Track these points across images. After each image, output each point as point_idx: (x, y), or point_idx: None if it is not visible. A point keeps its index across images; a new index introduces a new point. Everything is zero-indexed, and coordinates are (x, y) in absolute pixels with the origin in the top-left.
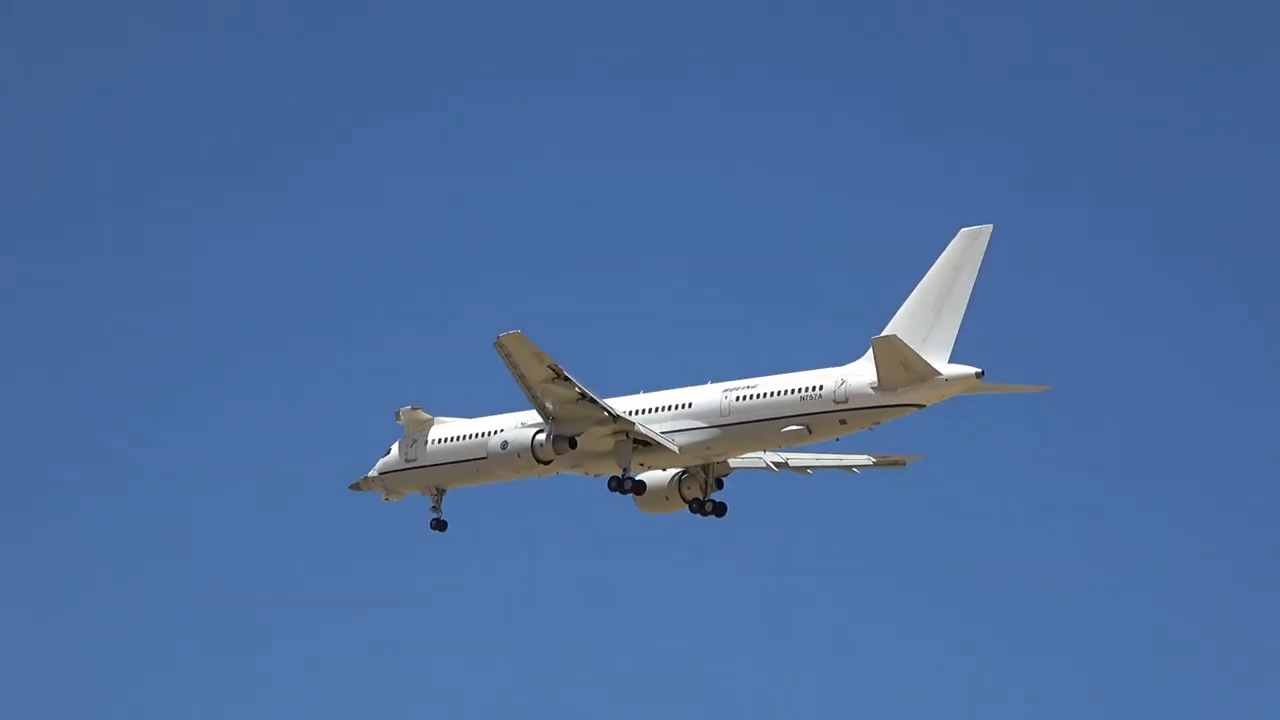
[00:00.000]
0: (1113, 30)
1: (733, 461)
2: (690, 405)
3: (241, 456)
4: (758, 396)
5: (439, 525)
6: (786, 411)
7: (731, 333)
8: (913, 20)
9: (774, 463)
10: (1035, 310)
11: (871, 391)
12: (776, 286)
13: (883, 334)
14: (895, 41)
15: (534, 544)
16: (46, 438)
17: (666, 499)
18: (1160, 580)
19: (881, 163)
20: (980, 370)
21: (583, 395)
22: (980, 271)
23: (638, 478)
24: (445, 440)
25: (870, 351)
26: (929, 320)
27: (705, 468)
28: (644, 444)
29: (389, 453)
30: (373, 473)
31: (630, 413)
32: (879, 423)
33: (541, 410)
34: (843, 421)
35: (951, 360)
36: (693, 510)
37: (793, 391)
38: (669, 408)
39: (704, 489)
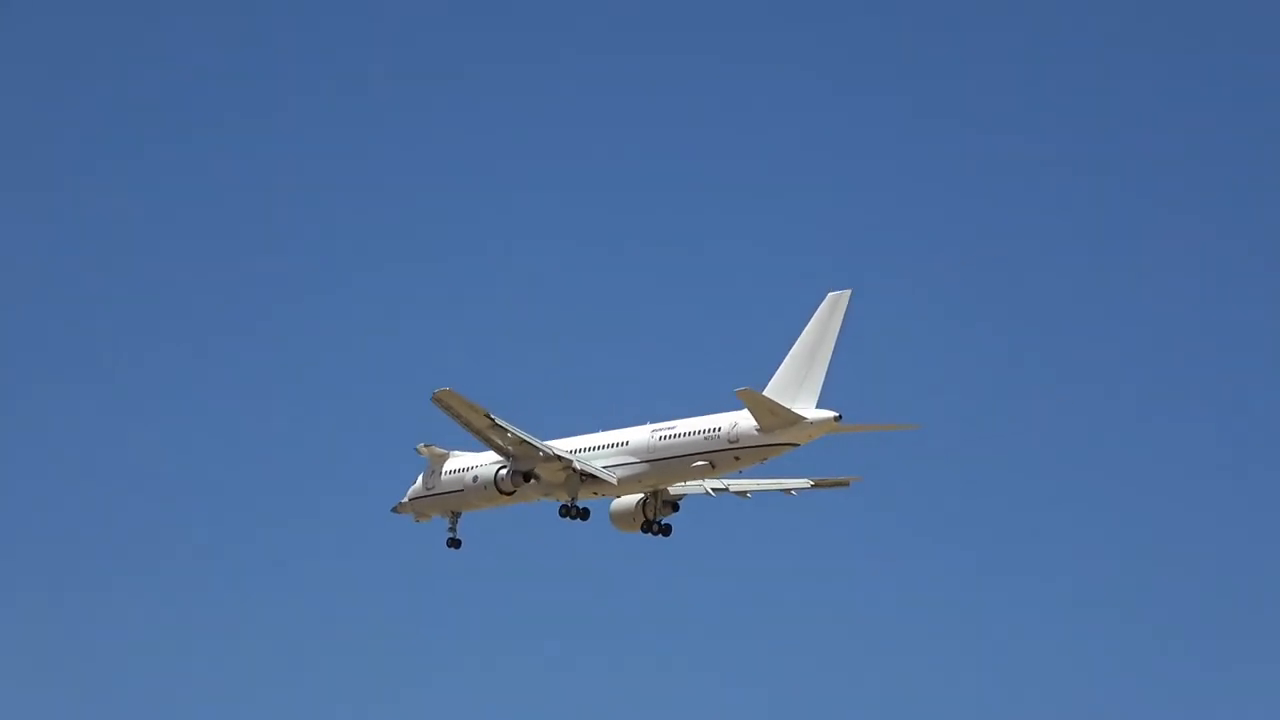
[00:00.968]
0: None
1: (678, 488)
2: (627, 443)
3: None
4: (675, 436)
5: (453, 543)
6: (694, 449)
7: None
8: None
9: (713, 488)
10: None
11: (756, 432)
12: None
13: (741, 388)
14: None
15: (511, 559)
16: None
17: (633, 519)
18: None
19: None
20: (838, 414)
21: (519, 440)
22: (842, 330)
23: (582, 505)
24: (451, 472)
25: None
26: (802, 371)
27: (655, 493)
28: (591, 476)
29: (416, 482)
30: (405, 499)
31: (579, 450)
32: (766, 459)
33: (498, 450)
34: (736, 458)
35: (824, 405)
36: (643, 530)
37: (699, 432)
38: (611, 445)
39: (655, 512)
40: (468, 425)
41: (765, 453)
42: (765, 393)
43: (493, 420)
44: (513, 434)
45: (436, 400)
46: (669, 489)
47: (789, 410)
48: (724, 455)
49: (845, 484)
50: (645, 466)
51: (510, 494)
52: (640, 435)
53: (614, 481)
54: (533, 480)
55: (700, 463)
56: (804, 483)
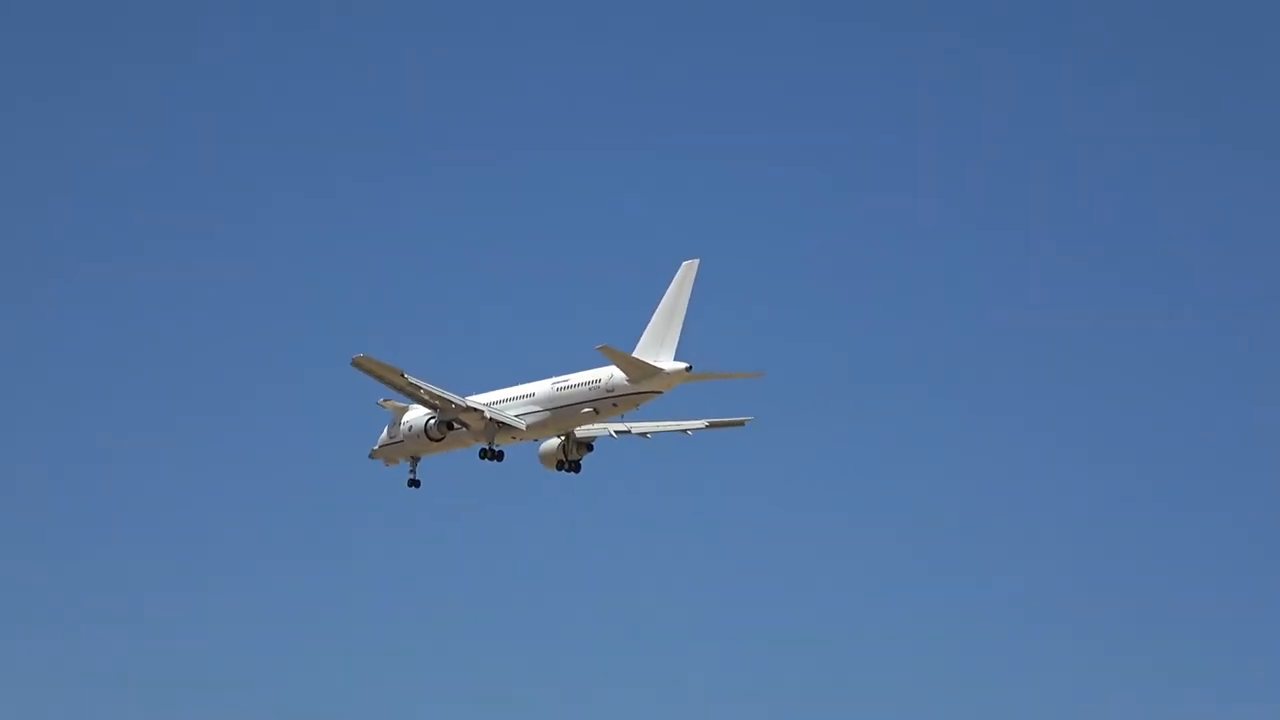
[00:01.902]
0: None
1: (586, 431)
2: (534, 394)
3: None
4: (569, 386)
5: (413, 484)
6: (582, 399)
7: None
8: None
9: (616, 430)
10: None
11: (626, 382)
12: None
13: (601, 344)
14: None
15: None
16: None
17: (552, 459)
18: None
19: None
20: (689, 365)
21: (432, 395)
22: (693, 292)
23: (498, 448)
24: (406, 424)
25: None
26: (663, 329)
27: (567, 436)
28: (504, 424)
29: (383, 432)
30: (375, 446)
31: (497, 402)
32: (639, 405)
33: (425, 405)
34: (615, 404)
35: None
36: (558, 468)
37: (585, 384)
38: (522, 397)
39: (566, 453)
40: (390, 384)
41: (636, 399)
42: (636, 350)
43: (406, 379)
44: (425, 390)
45: (356, 364)
46: (576, 432)
47: (646, 363)
48: (604, 402)
49: (740, 424)
50: (547, 414)
51: (440, 440)
52: (544, 387)
53: (523, 427)
54: (455, 428)
55: (587, 409)
56: (700, 423)
